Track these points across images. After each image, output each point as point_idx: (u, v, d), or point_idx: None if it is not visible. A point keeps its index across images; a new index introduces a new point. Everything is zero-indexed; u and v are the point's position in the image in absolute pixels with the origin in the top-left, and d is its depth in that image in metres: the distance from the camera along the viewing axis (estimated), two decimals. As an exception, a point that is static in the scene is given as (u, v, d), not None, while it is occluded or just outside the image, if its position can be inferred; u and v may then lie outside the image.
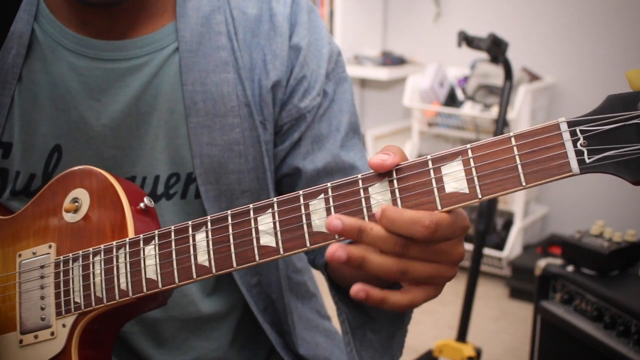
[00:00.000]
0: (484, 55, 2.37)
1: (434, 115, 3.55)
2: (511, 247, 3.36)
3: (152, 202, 0.89)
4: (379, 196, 0.71)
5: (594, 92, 3.40)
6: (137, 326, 1.04)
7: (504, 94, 2.38)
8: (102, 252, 0.85)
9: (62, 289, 0.86)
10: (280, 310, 1.07)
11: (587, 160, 0.65)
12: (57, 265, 0.88)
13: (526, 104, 3.26)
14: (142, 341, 1.04)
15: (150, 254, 0.82)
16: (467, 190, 0.68)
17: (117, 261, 0.83)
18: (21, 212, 0.94)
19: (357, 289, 0.70)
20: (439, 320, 3.05)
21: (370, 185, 0.72)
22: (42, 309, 0.88)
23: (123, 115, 0.96)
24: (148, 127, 0.97)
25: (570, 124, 0.66)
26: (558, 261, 1.91)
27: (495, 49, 2.27)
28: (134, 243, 0.83)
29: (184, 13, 0.97)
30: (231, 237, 0.77)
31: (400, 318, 0.91)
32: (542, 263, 1.93)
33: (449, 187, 0.69)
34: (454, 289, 3.03)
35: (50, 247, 0.89)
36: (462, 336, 2.39)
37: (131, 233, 0.85)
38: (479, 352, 2.38)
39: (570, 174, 0.66)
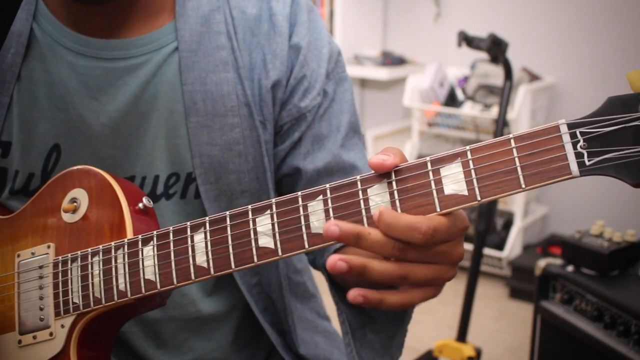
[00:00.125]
0: (484, 55, 2.36)
1: (434, 115, 3.55)
2: (511, 247, 3.36)
3: (151, 202, 0.89)
4: (378, 198, 0.71)
5: (594, 92, 3.40)
6: (137, 326, 1.03)
7: (504, 94, 2.38)
8: (101, 253, 0.84)
9: (60, 289, 0.86)
10: (280, 310, 1.07)
11: (587, 163, 0.64)
12: (55, 265, 0.87)
13: (526, 104, 3.26)
14: (142, 341, 1.04)
15: (148, 255, 0.81)
16: (466, 192, 0.68)
17: (116, 262, 0.83)
18: (20, 211, 0.93)
19: (355, 295, 0.70)
20: (439, 320, 3.05)
21: (369, 187, 0.71)
22: (41, 309, 0.87)
23: (122, 115, 0.96)
24: (147, 126, 0.97)
25: (570, 125, 0.65)
26: (558, 261, 1.91)
27: (495, 49, 2.26)
28: (133, 244, 0.83)
29: (183, 12, 0.97)
30: (229, 238, 0.77)
31: (400, 318, 0.90)
32: (542, 263, 1.93)
33: (448, 189, 0.69)
34: (454, 289, 3.03)
35: (49, 247, 0.88)
36: (462, 336, 2.39)
37: (130, 233, 0.85)
38: (479, 352, 2.37)
39: (570, 176, 0.65)
